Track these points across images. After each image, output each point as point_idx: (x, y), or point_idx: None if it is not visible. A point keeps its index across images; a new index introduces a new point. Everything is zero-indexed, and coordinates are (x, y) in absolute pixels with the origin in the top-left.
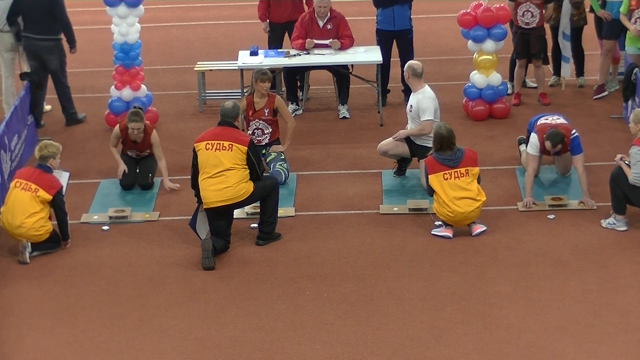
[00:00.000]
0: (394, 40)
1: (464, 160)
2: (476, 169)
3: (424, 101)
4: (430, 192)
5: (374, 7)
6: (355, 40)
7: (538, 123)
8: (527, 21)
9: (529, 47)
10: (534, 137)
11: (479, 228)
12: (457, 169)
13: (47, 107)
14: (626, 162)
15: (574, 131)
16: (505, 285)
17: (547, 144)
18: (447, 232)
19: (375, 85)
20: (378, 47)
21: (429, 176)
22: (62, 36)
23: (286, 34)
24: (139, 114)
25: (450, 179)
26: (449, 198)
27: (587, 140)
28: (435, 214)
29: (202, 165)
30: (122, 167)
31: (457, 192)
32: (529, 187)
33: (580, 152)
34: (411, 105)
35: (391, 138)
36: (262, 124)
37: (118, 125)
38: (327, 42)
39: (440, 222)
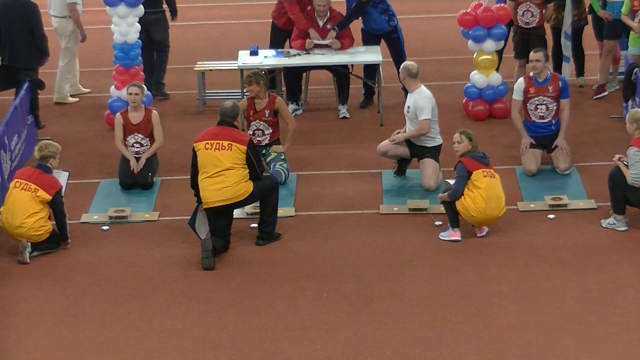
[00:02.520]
0: (382, 41)
1: (491, 163)
2: (497, 175)
3: (420, 101)
4: (458, 195)
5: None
6: (355, 40)
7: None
8: (527, 21)
9: (528, 46)
10: (518, 82)
11: (484, 230)
12: (490, 169)
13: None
14: (624, 162)
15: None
16: (505, 285)
17: (531, 53)
18: (456, 236)
19: (375, 85)
20: (378, 47)
21: (473, 172)
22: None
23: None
24: (138, 83)
25: (487, 177)
26: (487, 197)
27: (587, 140)
28: (435, 214)
29: (201, 165)
30: (133, 161)
31: (494, 191)
32: (520, 127)
33: (568, 97)
34: (408, 106)
35: (388, 141)
36: (262, 124)
37: (119, 113)
38: (327, 42)
39: (440, 222)
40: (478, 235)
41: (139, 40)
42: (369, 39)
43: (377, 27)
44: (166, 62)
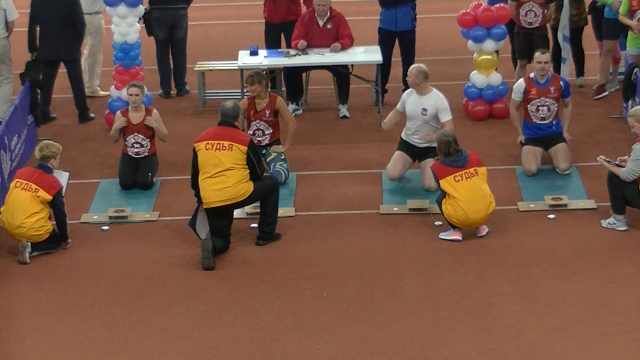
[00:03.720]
0: (396, 40)
1: (470, 161)
2: (483, 168)
3: (441, 102)
4: (440, 201)
5: (380, 6)
6: (355, 40)
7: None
8: (530, 21)
9: (532, 47)
10: (518, 83)
11: (484, 230)
12: (467, 170)
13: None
14: (605, 159)
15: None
16: (505, 285)
17: (537, 54)
18: (457, 236)
19: (375, 85)
20: (378, 47)
21: (440, 181)
22: None
23: (282, 35)
24: (138, 83)
25: (461, 180)
26: (465, 201)
27: (587, 140)
28: (435, 214)
29: (202, 165)
30: (122, 123)
31: (472, 193)
32: (516, 124)
33: (570, 95)
34: (424, 109)
35: (397, 159)
36: (262, 124)
37: (119, 111)
38: (327, 50)
39: (440, 223)
40: (478, 235)
41: (139, 41)
42: (386, 37)
43: (401, 24)
44: (185, 62)
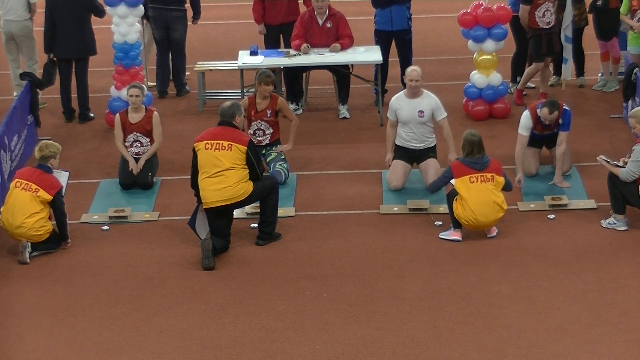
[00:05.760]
0: (393, 40)
1: (490, 166)
2: (501, 178)
3: (435, 101)
4: (451, 196)
5: (373, 7)
6: (355, 40)
7: (529, 106)
8: (549, 20)
9: (553, 46)
10: (525, 116)
11: (494, 231)
12: (484, 174)
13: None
14: (605, 159)
15: (565, 106)
16: (505, 285)
17: (544, 110)
18: (457, 236)
19: (375, 85)
20: (378, 47)
21: (456, 180)
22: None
23: (281, 36)
24: (138, 84)
25: (476, 182)
26: (474, 203)
27: (587, 141)
28: (435, 214)
29: (201, 165)
30: (132, 162)
31: (482, 196)
32: (519, 164)
33: (568, 130)
34: (421, 111)
35: (398, 168)
36: (263, 124)
37: (118, 114)
38: (327, 50)
39: (440, 223)
40: (488, 236)
41: (139, 41)
42: (383, 38)
43: (397, 23)
44: (185, 63)
